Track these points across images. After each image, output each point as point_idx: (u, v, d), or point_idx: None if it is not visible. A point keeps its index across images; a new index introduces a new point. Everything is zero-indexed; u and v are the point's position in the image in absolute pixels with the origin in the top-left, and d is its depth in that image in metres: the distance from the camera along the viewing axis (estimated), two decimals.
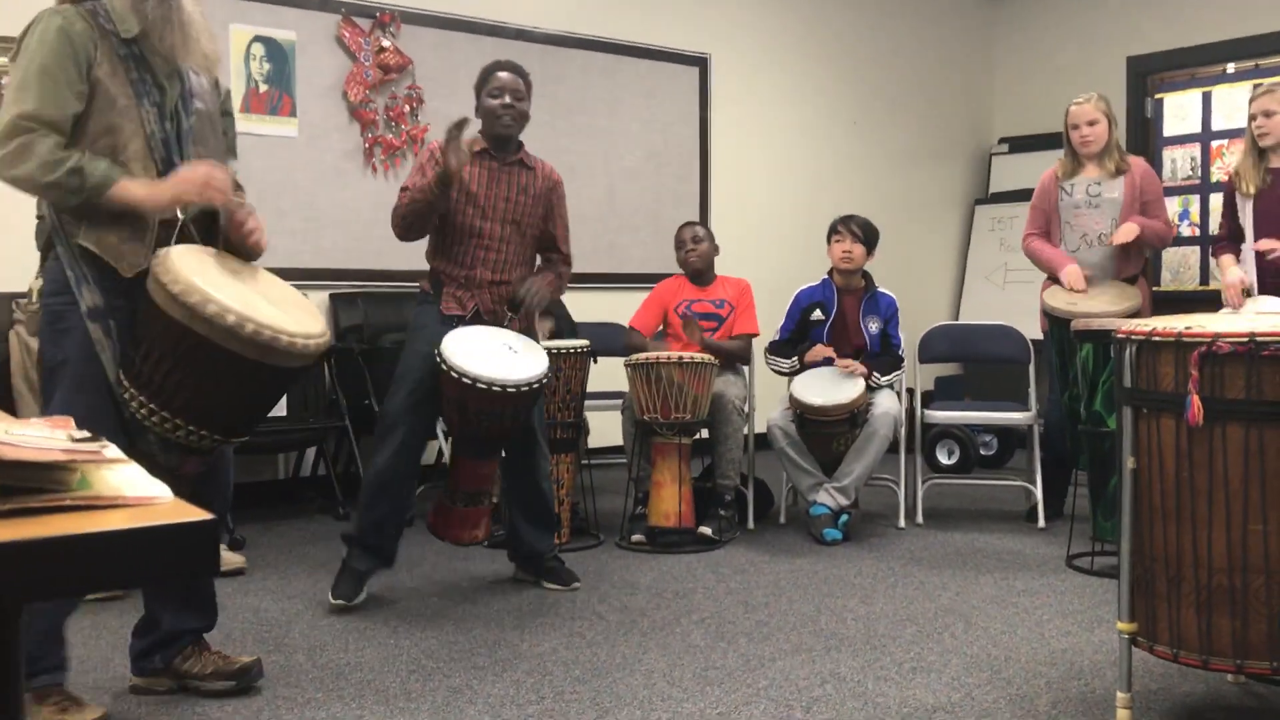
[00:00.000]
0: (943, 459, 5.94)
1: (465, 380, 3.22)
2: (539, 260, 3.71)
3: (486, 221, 3.48)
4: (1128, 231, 4.31)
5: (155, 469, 1.06)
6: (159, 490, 0.81)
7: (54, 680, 2.47)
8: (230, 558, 4.02)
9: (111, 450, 0.89)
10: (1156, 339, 2.35)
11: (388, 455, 3.40)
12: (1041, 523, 4.63)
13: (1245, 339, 2.23)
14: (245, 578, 3.88)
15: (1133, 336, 2.40)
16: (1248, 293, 4.23)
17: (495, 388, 3.24)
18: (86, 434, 0.91)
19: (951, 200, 7.82)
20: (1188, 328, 2.31)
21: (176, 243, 2.36)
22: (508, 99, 3.49)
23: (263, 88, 5.12)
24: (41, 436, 0.87)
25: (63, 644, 2.49)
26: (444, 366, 3.25)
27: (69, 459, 0.81)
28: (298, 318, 2.35)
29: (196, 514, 0.75)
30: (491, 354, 3.33)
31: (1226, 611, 2.29)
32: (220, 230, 2.51)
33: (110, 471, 0.85)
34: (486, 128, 3.55)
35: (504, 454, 3.61)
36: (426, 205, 3.36)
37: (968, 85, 7.89)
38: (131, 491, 0.80)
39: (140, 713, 2.60)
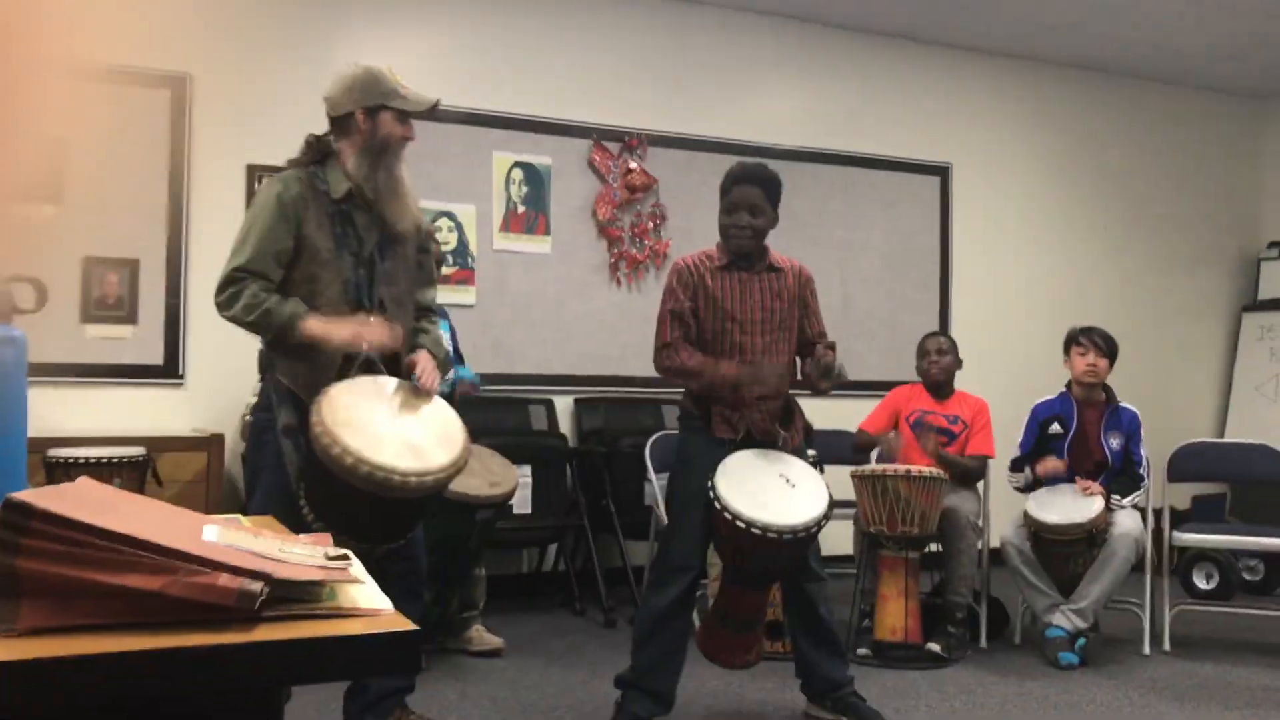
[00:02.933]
0: (1200, 584, 5.59)
1: (740, 524, 3.08)
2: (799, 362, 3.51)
3: (747, 336, 3.33)
4: None
5: None
6: (384, 603, 1.03)
7: None
8: (490, 639, 4.32)
9: (356, 567, 1.11)
10: None
11: (670, 597, 3.29)
12: None
13: None
14: (488, 663, 4.15)
15: None
16: None
17: (771, 533, 3.07)
18: (340, 551, 1.14)
19: (1214, 308, 7.44)
20: None
21: (360, 373, 2.69)
22: (744, 218, 3.32)
23: (520, 209, 5.58)
24: (305, 554, 1.10)
25: None
26: (718, 505, 3.12)
27: (324, 577, 1.04)
28: (425, 455, 2.55)
29: (406, 625, 0.98)
30: (768, 489, 3.17)
31: None
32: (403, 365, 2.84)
33: (352, 586, 1.06)
34: (724, 242, 3.40)
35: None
36: (711, 388, 3.32)
37: (1232, 186, 7.54)
38: (365, 604, 1.02)
39: None
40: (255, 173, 4.96)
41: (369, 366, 2.75)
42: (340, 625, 0.98)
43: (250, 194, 4.88)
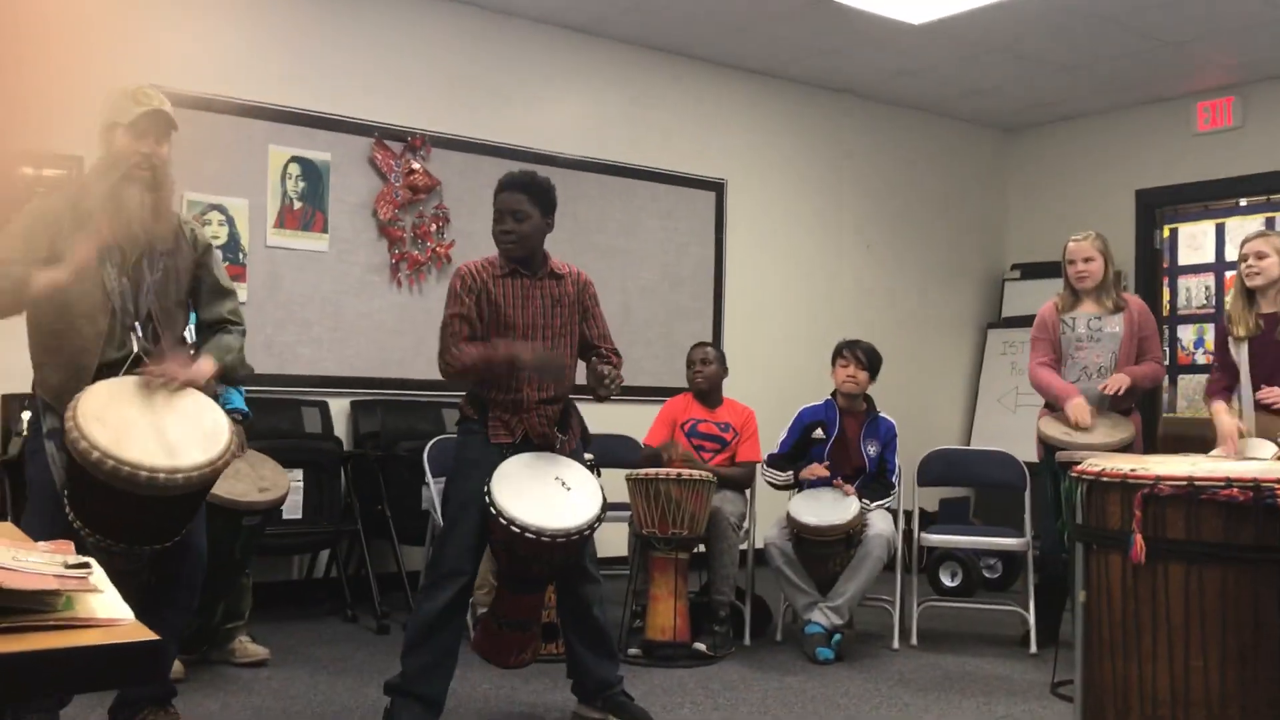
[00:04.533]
0: (946, 581, 6.00)
1: (515, 528, 3.10)
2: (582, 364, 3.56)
3: (527, 341, 3.37)
4: (1118, 381, 4.44)
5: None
6: (124, 612, 1.00)
7: None
8: (255, 649, 4.18)
9: (97, 575, 1.07)
10: (1105, 480, 2.50)
11: (443, 602, 3.27)
12: (1034, 648, 4.68)
13: (1184, 482, 2.37)
14: (253, 673, 4.02)
15: (1083, 476, 2.55)
16: (1241, 434, 4.32)
17: (545, 537, 3.11)
18: (80, 560, 1.09)
19: (963, 324, 8.00)
20: (1133, 470, 2.45)
21: (129, 371, 2.69)
22: (507, 223, 3.36)
23: (297, 204, 5.42)
24: (41, 563, 1.06)
25: None
26: (493, 510, 3.15)
27: (58, 586, 1.00)
28: (179, 452, 2.53)
29: (147, 634, 0.95)
30: (543, 493, 3.22)
31: None
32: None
33: (91, 595, 1.03)
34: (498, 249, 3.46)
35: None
36: (492, 374, 3.35)
37: (982, 212, 8.12)
38: (103, 613, 0.98)
39: None
40: None
41: (138, 364, 2.71)
42: (74, 636, 0.95)
43: None
